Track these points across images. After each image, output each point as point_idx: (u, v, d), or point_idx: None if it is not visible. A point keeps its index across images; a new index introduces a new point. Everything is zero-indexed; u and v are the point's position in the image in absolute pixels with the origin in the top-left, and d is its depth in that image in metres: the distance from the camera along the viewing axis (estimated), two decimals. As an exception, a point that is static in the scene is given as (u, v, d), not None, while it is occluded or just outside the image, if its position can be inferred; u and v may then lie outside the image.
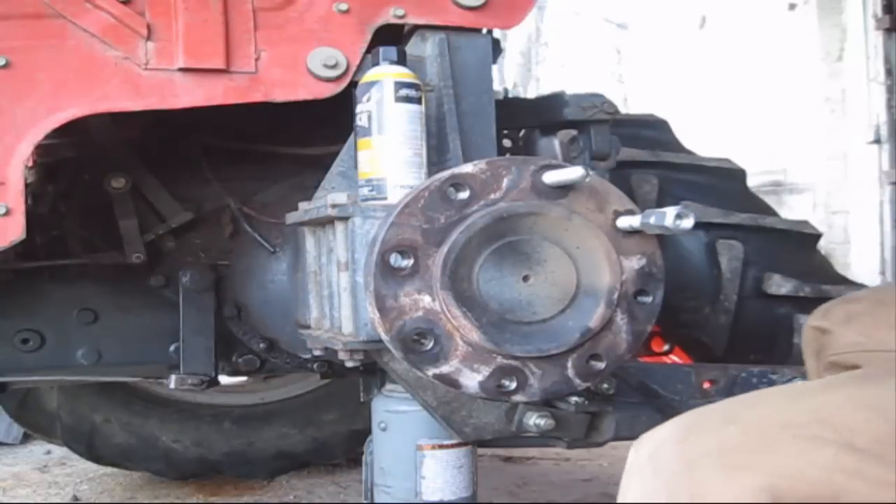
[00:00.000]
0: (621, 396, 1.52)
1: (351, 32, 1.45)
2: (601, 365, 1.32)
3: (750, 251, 2.02)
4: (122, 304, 1.95)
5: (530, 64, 8.80)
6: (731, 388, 1.66)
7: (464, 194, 1.25)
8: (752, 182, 2.34)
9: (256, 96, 1.42)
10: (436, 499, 1.41)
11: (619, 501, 0.81)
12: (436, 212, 1.24)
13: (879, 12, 5.09)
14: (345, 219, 1.31)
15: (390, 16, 1.46)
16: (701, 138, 3.04)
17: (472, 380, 1.27)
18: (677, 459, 0.77)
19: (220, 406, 2.71)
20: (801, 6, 5.65)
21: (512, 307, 1.27)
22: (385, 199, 1.29)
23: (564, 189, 1.29)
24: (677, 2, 6.90)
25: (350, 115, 1.37)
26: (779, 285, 2.00)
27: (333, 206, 1.30)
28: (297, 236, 1.63)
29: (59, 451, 3.20)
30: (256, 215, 1.91)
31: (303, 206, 1.49)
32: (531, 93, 7.52)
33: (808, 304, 1.65)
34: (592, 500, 2.70)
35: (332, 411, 2.71)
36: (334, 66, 1.43)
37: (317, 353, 1.50)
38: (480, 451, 1.55)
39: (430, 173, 1.32)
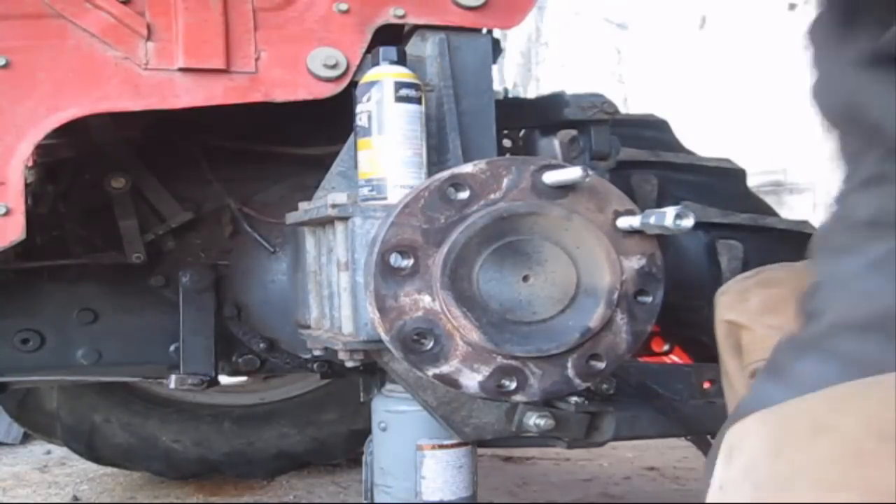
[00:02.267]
0: (621, 396, 1.52)
1: (351, 32, 1.45)
2: (601, 365, 1.32)
3: (750, 251, 2.01)
4: (122, 304, 1.95)
5: (530, 64, 8.80)
6: (731, 388, 1.65)
7: (464, 194, 1.25)
8: (752, 182, 2.33)
9: (256, 96, 1.42)
10: (436, 499, 1.41)
11: None
12: (436, 212, 1.24)
13: (879, 12, 5.08)
14: (345, 219, 1.31)
15: (390, 16, 1.46)
16: (701, 138, 3.04)
17: (472, 380, 1.27)
18: (773, 478, 0.75)
19: (220, 406, 2.71)
20: (801, 6, 5.66)
21: (512, 307, 1.27)
22: (385, 199, 1.29)
23: (564, 189, 1.29)
24: (677, 2, 6.90)
25: (350, 115, 1.37)
26: (779, 285, 1.99)
27: (333, 206, 1.30)
28: (297, 236, 1.63)
29: (59, 451, 3.20)
30: (256, 215, 1.91)
31: (303, 206, 1.49)
32: (531, 93, 7.51)
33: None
34: (592, 500, 2.70)
35: (332, 411, 2.71)
36: (334, 66, 1.43)
37: (317, 353, 1.50)
38: (480, 451, 1.55)
39: (430, 173, 1.32)
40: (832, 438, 0.72)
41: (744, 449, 0.78)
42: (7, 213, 1.31)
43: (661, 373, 1.66)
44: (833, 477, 0.70)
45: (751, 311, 1.19)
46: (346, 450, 2.75)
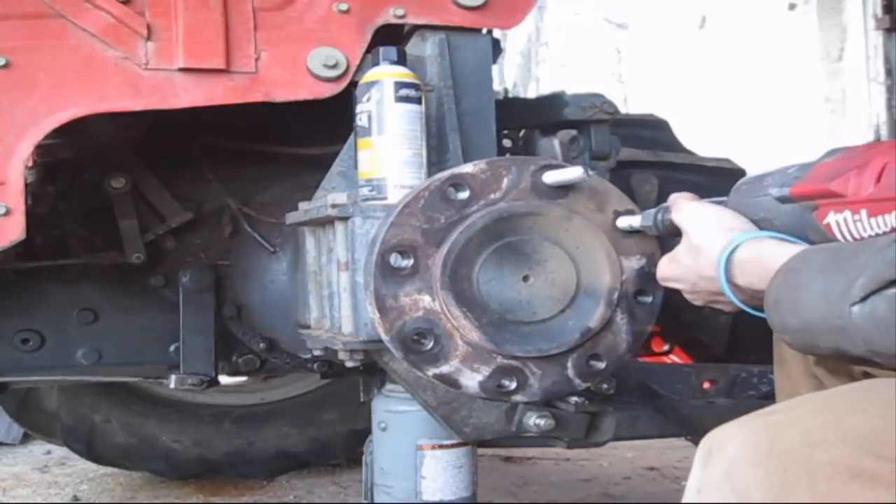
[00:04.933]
0: (621, 396, 1.52)
1: (351, 32, 1.45)
2: (601, 365, 1.32)
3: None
4: (122, 304, 1.95)
5: (530, 64, 8.79)
6: (731, 388, 1.66)
7: (464, 194, 1.25)
8: (751, 182, 2.33)
9: (256, 96, 1.42)
10: (436, 499, 1.41)
11: None
12: (436, 212, 1.24)
13: (879, 12, 5.09)
14: (345, 219, 1.31)
15: (390, 16, 1.46)
16: (701, 138, 3.04)
17: (472, 380, 1.27)
18: (761, 486, 0.72)
19: (220, 406, 2.71)
20: (801, 6, 5.65)
21: (512, 307, 1.27)
22: (385, 199, 1.29)
23: (564, 189, 1.29)
24: (677, 2, 6.89)
25: (350, 115, 1.37)
26: (779, 285, 1.99)
27: (333, 206, 1.30)
28: (297, 236, 1.63)
29: (59, 451, 3.20)
30: (256, 215, 1.91)
31: (303, 206, 1.49)
32: (531, 93, 7.52)
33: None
34: (592, 500, 2.70)
35: (332, 411, 2.71)
36: (334, 66, 1.43)
37: (317, 353, 1.50)
38: (480, 451, 1.55)
39: (430, 173, 1.32)
40: (830, 454, 0.70)
41: (724, 453, 0.76)
42: (7, 213, 1.31)
43: (661, 373, 1.66)
44: (831, 493, 0.68)
45: None
46: (346, 450, 2.75)
